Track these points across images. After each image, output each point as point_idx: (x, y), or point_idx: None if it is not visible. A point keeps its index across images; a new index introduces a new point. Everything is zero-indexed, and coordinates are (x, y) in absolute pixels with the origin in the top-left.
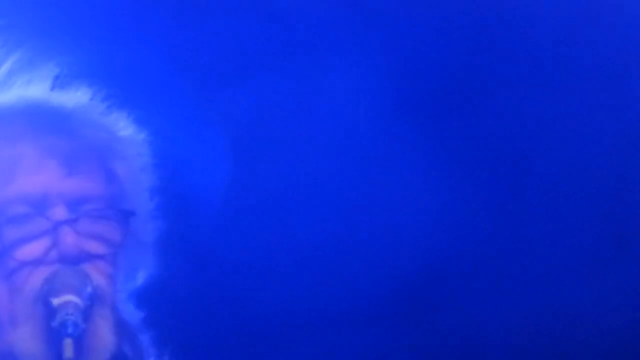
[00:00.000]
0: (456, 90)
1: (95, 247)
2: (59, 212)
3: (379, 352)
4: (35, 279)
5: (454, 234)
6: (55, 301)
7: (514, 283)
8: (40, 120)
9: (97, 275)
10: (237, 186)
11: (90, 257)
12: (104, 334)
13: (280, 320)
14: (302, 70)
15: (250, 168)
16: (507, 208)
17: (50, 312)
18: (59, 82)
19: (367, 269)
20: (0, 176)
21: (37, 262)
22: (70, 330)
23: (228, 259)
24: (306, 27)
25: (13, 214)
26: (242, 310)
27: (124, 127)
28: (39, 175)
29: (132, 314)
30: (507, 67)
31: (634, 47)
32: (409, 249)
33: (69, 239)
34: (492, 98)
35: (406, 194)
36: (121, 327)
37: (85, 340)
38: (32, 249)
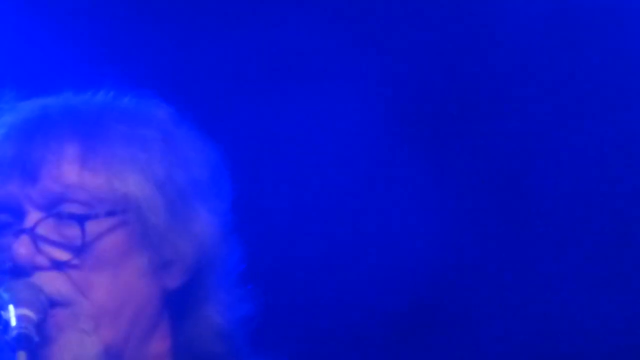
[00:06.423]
0: (459, 104)
1: (57, 254)
2: (29, 219)
3: None
4: None
5: (460, 245)
6: (8, 315)
7: (519, 291)
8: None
9: (60, 283)
10: (240, 202)
11: (47, 266)
12: (70, 342)
13: (280, 335)
14: (303, 90)
15: (252, 185)
16: (509, 219)
17: (3, 326)
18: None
19: (371, 283)
20: None
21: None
22: (23, 344)
23: None
24: (309, 48)
25: None
26: None
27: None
28: (8, 182)
29: None
30: (508, 80)
31: (633, 59)
32: (414, 261)
33: (22, 249)
34: (495, 110)
35: (410, 207)
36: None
37: (51, 349)
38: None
